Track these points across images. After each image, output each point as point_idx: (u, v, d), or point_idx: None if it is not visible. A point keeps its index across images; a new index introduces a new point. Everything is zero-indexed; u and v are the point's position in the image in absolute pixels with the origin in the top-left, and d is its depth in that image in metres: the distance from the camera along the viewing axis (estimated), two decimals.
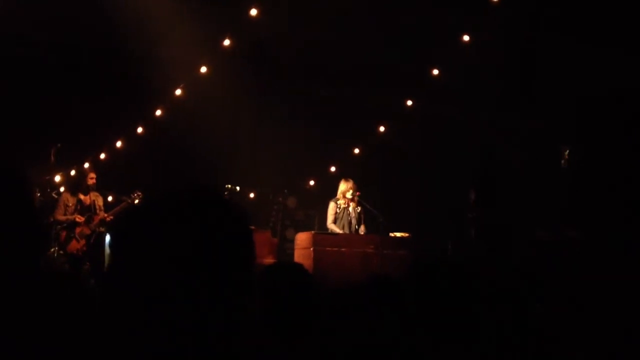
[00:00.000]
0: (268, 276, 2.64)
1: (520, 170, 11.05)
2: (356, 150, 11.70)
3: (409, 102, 11.59)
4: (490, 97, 11.72)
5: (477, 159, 12.00)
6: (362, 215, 9.50)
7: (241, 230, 1.32)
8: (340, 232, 9.30)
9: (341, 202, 9.46)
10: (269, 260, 9.71)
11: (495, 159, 11.70)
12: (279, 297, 2.54)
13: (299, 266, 2.82)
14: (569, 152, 9.43)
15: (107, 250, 9.45)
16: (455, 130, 12.11)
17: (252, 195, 11.46)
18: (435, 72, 11.21)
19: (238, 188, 10.87)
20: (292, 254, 9.51)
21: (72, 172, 10.34)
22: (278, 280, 2.61)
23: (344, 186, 9.49)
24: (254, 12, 10.27)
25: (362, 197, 9.48)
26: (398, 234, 9.37)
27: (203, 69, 10.78)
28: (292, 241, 9.79)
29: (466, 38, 10.87)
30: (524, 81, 11.29)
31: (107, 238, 9.53)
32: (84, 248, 9.35)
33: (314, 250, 8.79)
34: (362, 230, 9.43)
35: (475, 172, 11.57)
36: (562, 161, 9.47)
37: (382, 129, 11.67)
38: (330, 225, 9.42)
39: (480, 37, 10.68)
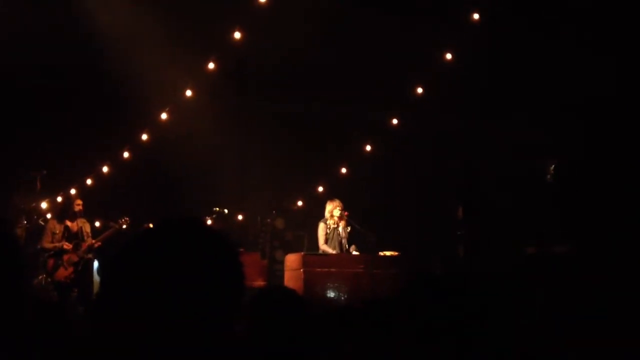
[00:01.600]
0: (260, 302, 2.62)
1: (507, 186, 11.09)
2: (343, 170, 11.71)
3: (394, 121, 11.64)
4: (473, 112, 11.79)
5: (463, 175, 12.04)
6: (351, 235, 9.49)
7: (229, 256, 1.33)
8: (333, 252, 9.28)
9: (330, 222, 9.46)
10: (258, 282, 9.67)
11: (481, 174, 11.75)
12: (271, 323, 2.52)
13: (291, 292, 2.80)
14: (554, 167, 9.48)
15: (96, 277, 9.38)
16: (440, 146, 12.16)
17: (240, 217, 11.44)
18: (419, 90, 11.28)
19: (226, 210, 10.85)
20: (282, 276, 9.47)
21: (59, 199, 10.28)
22: (270, 306, 2.59)
23: (330, 206, 9.50)
24: (237, 35, 10.33)
25: (351, 216, 9.48)
26: (388, 253, 9.36)
27: (188, 92, 10.79)
28: (282, 263, 9.75)
29: (449, 56, 10.97)
30: (507, 95, 11.37)
31: (96, 264, 9.47)
32: (72, 275, 9.26)
33: (304, 271, 8.76)
34: (352, 249, 9.42)
35: (461, 189, 11.60)
36: (548, 176, 9.52)
37: (368, 147, 11.70)
38: (322, 246, 9.40)
39: (462, 51, 10.78)
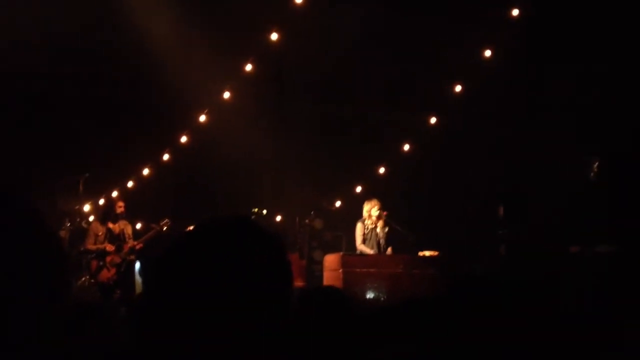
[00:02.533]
0: (307, 302, 2.62)
1: (549, 184, 10.93)
2: (382, 170, 11.66)
3: (433, 119, 11.55)
4: (516, 111, 11.65)
5: (504, 174, 11.89)
6: (389, 235, 9.44)
7: (277, 255, 1.31)
8: (371, 252, 9.25)
9: (368, 222, 9.42)
10: (298, 283, 9.68)
11: (522, 173, 11.59)
12: (319, 323, 2.51)
13: (338, 291, 2.79)
14: (598, 164, 9.31)
15: (138, 278, 9.50)
16: (481, 145, 12.03)
17: (278, 218, 11.46)
18: (458, 88, 11.18)
19: (265, 211, 10.88)
20: (321, 276, 9.47)
21: (101, 201, 10.43)
22: (318, 306, 2.58)
23: (368, 206, 9.45)
24: (274, 36, 10.36)
25: (389, 216, 9.43)
26: (427, 253, 9.29)
27: (226, 94, 10.86)
28: (320, 263, 9.75)
29: (488, 53, 10.84)
30: (549, 93, 11.21)
31: (137, 266, 9.58)
32: (115, 277, 9.39)
33: (343, 271, 8.74)
34: (389, 251, 9.37)
35: (502, 188, 11.46)
36: (592, 174, 9.35)
37: (407, 147, 11.63)
38: (360, 246, 9.38)
39: (502, 49, 10.66)
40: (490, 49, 10.82)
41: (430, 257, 9.24)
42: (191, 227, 1.35)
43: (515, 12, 10.75)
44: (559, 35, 10.72)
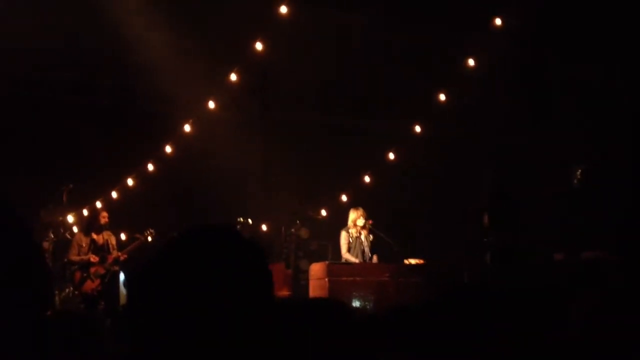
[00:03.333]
0: (307, 314, 2.60)
1: (533, 192, 10.99)
2: (367, 178, 11.68)
3: (417, 128, 11.59)
4: (499, 118, 11.71)
5: (489, 182, 11.94)
6: (374, 244, 9.44)
7: (257, 265, 1.31)
8: (356, 261, 9.24)
9: (353, 231, 9.42)
10: (283, 292, 9.65)
11: (507, 181, 11.65)
12: (318, 335, 2.49)
13: (337, 303, 2.77)
14: (581, 172, 9.37)
15: (122, 289, 9.44)
16: (465, 153, 12.09)
17: (264, 227, 11.44)
18: (442, 97, 11.23)
19: (250, 221, 10.86)
20: (307, 285, 9.44)
21: (85, 212, 10.37)
22: (315, 317, 2.56)
23: (354, 215, 9.45)
24: (259, 46, 10.37)
25: (374, 225, 9.43)
26: (413, 261, 9.29)
27: (211, 104, 10.84)
28: (306, 272, 9.73)
29: (471, 62, 10.90)
30: (533, 101, 11.29)
31: (122, 277, 9.52)
32: (99, 287, 9.33)
33: (329, 280, 8.73)
34: (374, 259, 9.37)
35: (487, 196, 11.51)
36: (575, 181, 9.41)
37: (391, 156, 11.65)
38: (345, 254, 9.37)
39: (487, 58, 10.72)
40: (475, 58, 10.88)
41: (416, 265, 9.25)
42: (172, 236, 1.34)
43: (498, 21, 10.82)
44: (546, 43, 10.80)
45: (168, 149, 11.01)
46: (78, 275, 9.35)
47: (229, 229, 1.33)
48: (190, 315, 1.22)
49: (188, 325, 1.21)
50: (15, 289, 1.30)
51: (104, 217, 9.62)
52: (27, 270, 1.32)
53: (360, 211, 9.45)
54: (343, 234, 9.46)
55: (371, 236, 9.42)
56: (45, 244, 9.58)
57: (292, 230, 10.91)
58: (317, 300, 3.17)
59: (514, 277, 8.85)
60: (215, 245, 1.29)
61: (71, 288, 9.41)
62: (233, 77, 10.70)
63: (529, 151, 11.58)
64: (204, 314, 1.22)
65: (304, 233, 11.16)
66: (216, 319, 1.22)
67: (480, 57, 10.81)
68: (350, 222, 9.45)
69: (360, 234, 9.40)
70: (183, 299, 1.23)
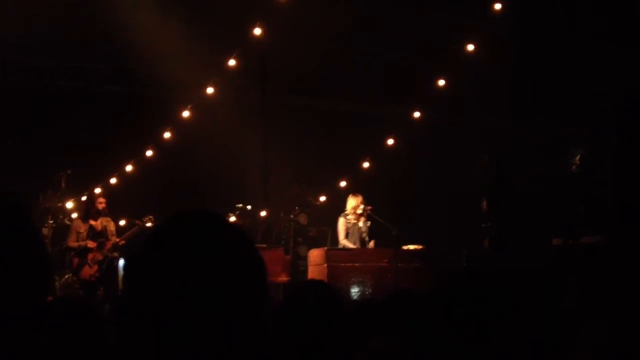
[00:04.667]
0: (295, 295, 2.61)
1: (532, 177, 10.99)
2: (365, 164, 11.68)
3: (417, 114, 11.57)
4: (498, 103, 11.70)
5: (487, 167, 11.94)
6: (372, 230, 9.45)
7: (248, 249, 1.31)
8: (353, 247, 9.26)
9: (351, 217, 9.42)
10: (282, 278, 9.68)
11: (506, 166, 11.65)
12: (307, 316, 2.51)
13: (324, 284, 2.79)
14: (580, 157, 9.37)
15: (121, 275, 9.45)
16: (463, 138, 12.08)
17: (263, 213, 11.45)
18: (442, 82, 11.19)
19: (249, 207, 10.86)
20: (306, 271, 9.47)
21: (84, 199, 10.37)
22: (307, 299, 2.57)
23: (352, 201, 9.45)
24: (257, 31, 10.32)
25: (373, 210, 9.43)
26: (411, 247, 9.31)
27: (209, 90, 10.81)
28: (305, 258, 9.75)
29: (471, 47, 10.86)
30: (532, 86, 11.27)
31: (121, 262, 9.54)
32: (97, 274, 9.35)
33: (327, 266, 8.75)
34: (371, 245, 9.38)
35: (486, 181, 11.51)
36: (574, 166, 9.40)
37: (390, 141, 11.64)
38: (342, 241, 9.38)
39: (486, 42, 10.68)
40: (475, 42, 10.83)
41: (415, 250, 9.27)
42: (160, 223, 1.34)
43: (497, 6, 10.77)
44: (545, 26, 10.76)
45: (167, 135, 11.00)
46: (76, 261, 9.37)
47: (217, 215, 1.33)
48: (184, 301, 1.22)
49: (183, 311, 1.22)
50: (14, 275, 1.30)
51: (100, 203, 9.62)
52: (25, 256, 1.32)
53: (357, 197, 9.45)
54: (341, 220, 9.46)
55: (369, 222, 9.43)
56: (45, 230, 9.60)
57: (291, 216, 10.92)
58: (310, 282, 3.18)
59: (512, 262, 8.87)
60: (202, 231, 1.29)
61: (70, 274, 9.43)
62: (232, 62, 10.66)
63: (527, 136, 11.57)
64: (195, 300, 1.22)
65: (302, 219, 11.17)
66: (210, 302, 1.23)
67: (478, 42, 10.76)
68: (348, 209, 9.45)
69: (358, 220, 9.41)
70: (174, 285, 1.23)
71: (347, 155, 11.64)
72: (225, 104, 11.00)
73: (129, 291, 1.27)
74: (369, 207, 9.39)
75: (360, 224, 9.40)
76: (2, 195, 1.35)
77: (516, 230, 10.03)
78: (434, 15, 10.80)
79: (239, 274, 1.27)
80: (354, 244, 9.31)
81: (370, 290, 8.65)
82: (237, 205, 10.66)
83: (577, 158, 9.27)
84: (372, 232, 9.46)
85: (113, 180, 10.93)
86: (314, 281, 3.12)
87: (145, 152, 11.02)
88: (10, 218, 1.32)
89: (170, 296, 1.22)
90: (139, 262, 1.28)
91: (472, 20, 10.69)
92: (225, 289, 1.24)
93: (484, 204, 10.20)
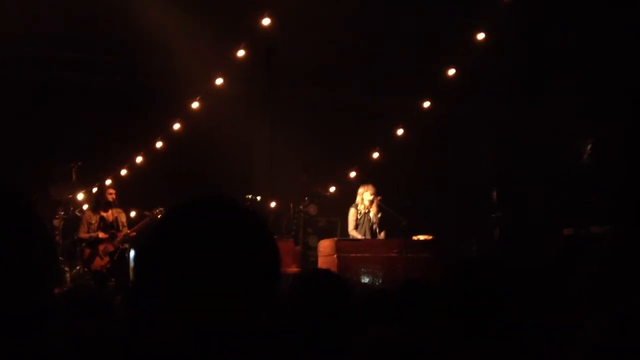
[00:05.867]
0: (302, 284, 2.61)
1: (543, 167, 10.94)
2: (375, 155, 11.65)
3: (426, 104, 11.52)
4: (508, 93, 11.63)
5: (497, 157, 11.90)
6: (382, 220, 9.43)
7: (264, 236, 1.29)
8: (362, 238, 9.25)
9: (361, 207, 9.41)
10: (292, 269, 9.69)
11: (516, 156, 11.60)
12: (315, 305, 2.51)
13: (331, 273, 2.79)
14: (591, 146, 9.33)
15: (133, 266, 9.49)
16: (473, 128, 12.03)
17: (273, 204, 11.45)
18: (452, 72, 11.13)
19: (259, 198, 10.87)
20: (316, 262, 9.47)
21: (94, 190, 10.40)
22: (314, 287, 2.57)
23: (362, 191, 9.44)
24: (266, 21, 10.29)
25: (383, 201, 9.42)
26: (421, 237, 9.30)
27: (218, 81, 10.80)
28: (315, 249, 9.75)
29: (481, 36, 10.79)
30: (542, 75, 11.19)
31: (132, 254, 9.57)
32: (108, 265, 9.38)
33: (337, 257, 8.75)
34: (382, 236, 9.37)
35: (496, 171, 11.47)
36: (585, 155, 9.37)
37: (401, 131, 11.61)
38: (351, 231, 9.38)
39: (493, 32, 10.61)
40: (484, 30, 10.77)
41: (425, 240, 9.26)
42: (173, 209, 1.30)
43: None
44: (554, 14, 10.68)
45: (176, 126, 11.02)
46: (87, 252, 9.41)
47: (230, 200, 1.30)
48: (196, 290, 1.21)
49: (195, 301, 1.21)
50: (17, 267, 1.30)
51: (110, 194, 9.64)
52: (29, 247, 1.32)
53: (368, 187, 9.43)
54: (351, 211, 9.46)
55: (380, 213, 9.42)
56: (55, 222, 9.63)
57: (301, 207, 10.91)
58: (317, 271, 3.18)
59: (523, 252, 8.85)
60: (218, 217, 1.27)
61: (81, 265, 9.47)
62: (240, 52, 10.64)
63: (537, 125, 11.50)
64: (210, 288, 1.21)
65: (312, 210, 11.16)
66: (223, 293, 1.22)
67: (485, 31, 10.68)
68: (358, 199, 9.44)
69: (368, 210, 9.39)
70: (186, 272, 1.22)
71: (356, 146, 11.63)
72: (233, 95, 11.00)
73: (139, 281, 1.26)
74: (379, 198, 9.38)
75: (371, 214, 9.38)
76: (3, 187, 1.35)
77: (527, 220, 9.99)
78: (442, 4, 10.73)
79: (253, 261, 1.25)
80: (364, 234, 9.30)
81: (380, 281, 8.66)
82: (246, 196, 10.67)
83: (589, 147, 9.23)
84: (382, 223, 9.45)
85: (123, 172, 10.96)
86: (320, 270, 3.12)
87: (154, 144, 11.04)
88: (12, 210, 1.32)
89: (180, 285, 1.21)
90: (149, 250, 1.27)
91: (481, 8, 10.63)
92: (239, 277, 1.23)
93: (494, 194, 10.17)
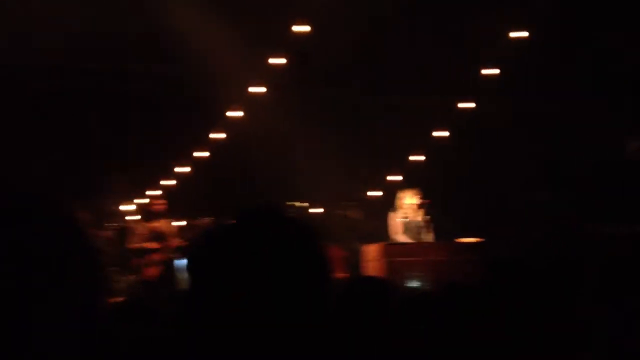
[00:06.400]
0: (354, 290, 2.64)
1: (590, 165, 10.75)
2: (416, 157, 11.57)
3: (472, 104, 11.39)
4: (553, 92, 11.47)
5: (545, 157, 11.73)
6: (429, 224, 9.34)
7: (314, 245, 1.32)
8: (408, 241, 9.18)
9: (404, 211, 9.29)
10: (340, 274, 9.69)
11: (562, 156, 11.43)
12: (364, 313, 2.53)
13: (382, 279, 2.81)
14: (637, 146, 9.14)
15: (183, 274, 9.62)
16: (520, 128, 11.89)
17: (318, 210, 11.49)
18: (496, 71, 10.99)
19: (305, 204, 10.91)
20: (362, 267, 9.45)
21: (144, 201, 10.59)
22: (364, 295, 2.60)
23: (405, 196, 9.34)
24: (300, 28, 10.25)
25: (429, 204, 9.34)
26: (469, 240, 9.21)
27: (260, 89, 10.85)
28: (360, 254, 9.73)
29: (525, 34, 10.63)
30: (587, 74, 11.01)
31: (181, 263, 9.70)
32: (159, 274, 9.52)
33: (385, 261, 8.71)
34: (430, 239, 9.28)
35: (544, 172, 11.31)
36: (630, 152, 9.18)
37: (445, 133, 11.51)
38: (395, 235, 9.27)
39: (539, 29, 10.46)
40: (526, 29, 10.60)
41: (474, 243, 9.16)
42: (225, 220, 1.35)
43: None
44: (597, 10, 10.51)
45: (218, 135, 11.10)
46: (138, 262, 9.57)
47: (279, 210, 1.34)
48: (248, 298, 1.24)
49: (247, 309, 1.24)
50: (67, 279, 1.32)
51: (158, 205, 9.78)
52: (71, 260, 1.34)
53: (412, 191, 9.33)
54: (390, 215, 9.35)
55: (428, 217, 9.31)
56: (108, 233, 9.84)
57: (346, 212, 10.92)
58: (364, 278, 3.20)
59: (570, 252, 8.70)
60: (268, 226, 1.30)
61: (132, 275, 9.63)
62: (281, 60, 10.66)
63: (585, 126, 11.31)
64: (262, 295, 1.25)
65: (357, 214, 11.17)
66: (274, 299, 1.25)
67: (527, 29, 10.53)
68: (399, 203, 9.33)
69: (415, 215, 9.29)
70: (240, 281, 1.25)
71: (401, 149, 11.58)
72: (273, 101, 11.05)
73: (194, 289, 1.30)
74: (428, 201, 9.27)
75: (419, 217, 9.28)
76: (46, 196, 1.37)
77: (575, 219, 9.83)
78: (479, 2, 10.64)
79: (305, 270, 1.28)
80: (411, 239, 9.21)
81: (429, 285, 8.59)
82: (293, 204, 10.72)
83: (634, 145, 9.04)
84: (429, 227, 9.36)
85: (173, 182, 11.10)
86: (366, 277, 3.14)
87: (197, 153, 11.15)
88: (54, 219, 1.34)
89: (234, 293, 1.25)
90: (205, 260, 1.31)
91: (521, 6, 10.49)
92: (290, 287, 1.26)
93: (542, 195, 10.03)
